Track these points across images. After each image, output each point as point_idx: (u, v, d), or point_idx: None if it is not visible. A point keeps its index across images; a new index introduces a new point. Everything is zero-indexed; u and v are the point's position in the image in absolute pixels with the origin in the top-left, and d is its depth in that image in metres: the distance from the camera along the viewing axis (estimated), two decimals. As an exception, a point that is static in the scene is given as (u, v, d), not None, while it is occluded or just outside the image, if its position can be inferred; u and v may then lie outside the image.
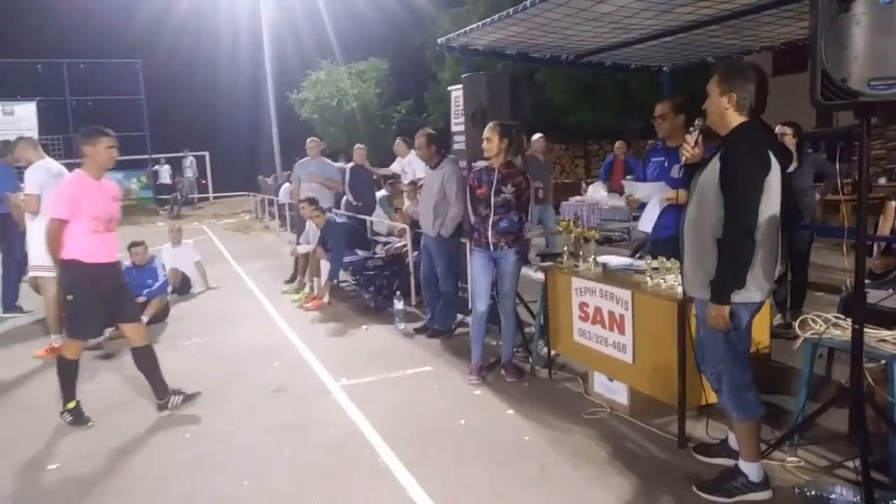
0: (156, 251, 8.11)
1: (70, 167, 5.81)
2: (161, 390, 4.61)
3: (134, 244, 7.29)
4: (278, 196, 16.27)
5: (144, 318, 6.80)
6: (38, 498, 3.55)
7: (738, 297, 2.94)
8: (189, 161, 23.99)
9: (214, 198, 26.56)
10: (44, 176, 5.94)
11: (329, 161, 9.86)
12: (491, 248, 4.79)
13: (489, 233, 4.77)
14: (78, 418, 4.46)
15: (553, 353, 4.97)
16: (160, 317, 7.18)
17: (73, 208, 4.24)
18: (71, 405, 4.47)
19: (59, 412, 4.49)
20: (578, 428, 4.03)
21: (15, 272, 7.65)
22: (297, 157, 9.92)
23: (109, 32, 26.43)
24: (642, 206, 4.67)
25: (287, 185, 15.05)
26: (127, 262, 7.23)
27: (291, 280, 9.13)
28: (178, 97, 27.21)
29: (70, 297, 4.29)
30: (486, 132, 4.76)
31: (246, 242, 15.19)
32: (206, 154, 26.72)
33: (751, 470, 3.11)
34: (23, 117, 20.78)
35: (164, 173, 23.92)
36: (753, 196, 2.84)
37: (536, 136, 9.84)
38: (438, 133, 6.19)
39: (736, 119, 2.95)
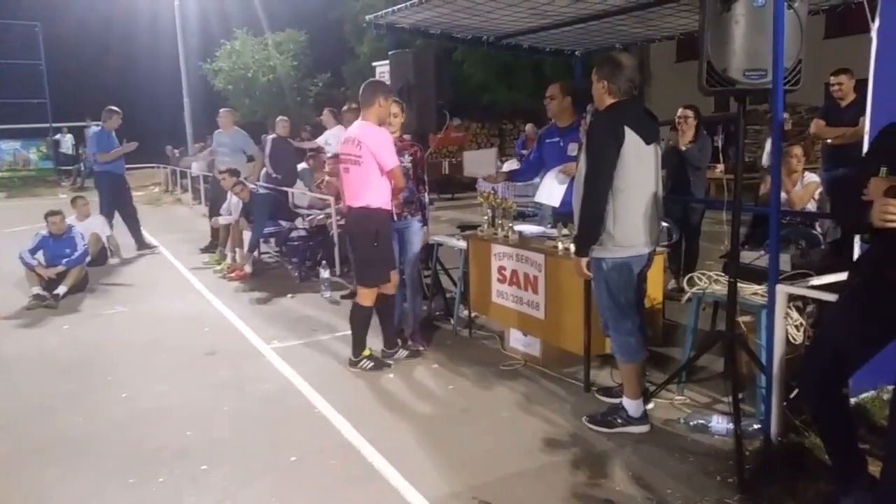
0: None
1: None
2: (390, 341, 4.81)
3: (51, 213, 7.14)
4: (190, 168, 15.92)
5: (63, 288, 6.78)
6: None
7: (598, 251, 3.44)
8: (92, 131, 22.91)
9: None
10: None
11: (243, 132, 9.78)
12: (395, 218, 4.99)
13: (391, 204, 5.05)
14: (378, 363, 4.67)
15: (473, 315, 5.37)
16: (79, 286, 7.11)
17: None
18: (367, 353, 4.69)
19: (351, 362, 4.68)
20: (496, 378, 4.45)
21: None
22: (211, 129, 9.87)
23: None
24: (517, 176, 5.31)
25: (199, 156, 14.79)
26: (43, 232, 7.11)
27: (207, 249, 9.19)
28: (83, 63, 25.82)
29: (376, 245, 4.47)
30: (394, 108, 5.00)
31: (158, 215, 14.84)
32: (112, 124, 25.54)
33: (631, 406, 3.61)
34: None
35: (67, 143, 22.78)
36: (603, 164, 3.32)
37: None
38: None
39: (608, 101, 3.48)
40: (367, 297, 4.61)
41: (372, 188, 4.43)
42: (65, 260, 6.92)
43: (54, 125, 23.06)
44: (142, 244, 9.72)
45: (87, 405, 4.21)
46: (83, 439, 3.74)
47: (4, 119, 21.78)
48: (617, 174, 3.34)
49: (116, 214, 9.46)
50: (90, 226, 8.53)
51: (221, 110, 9.71)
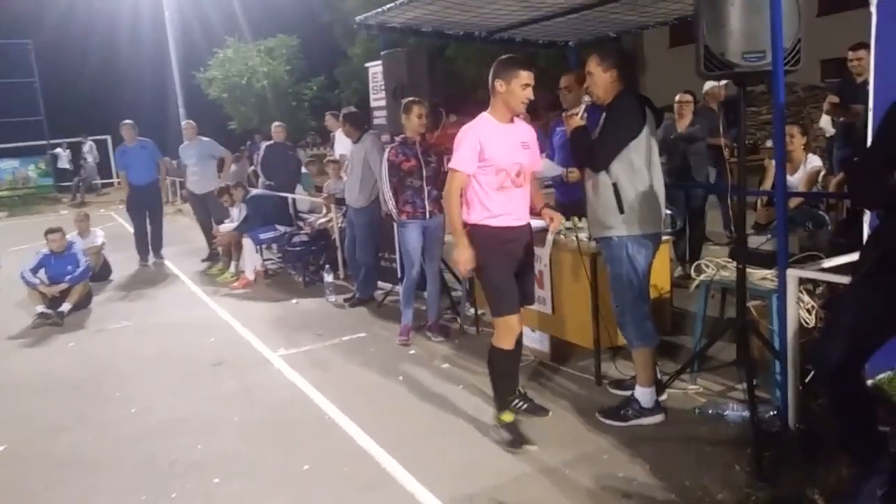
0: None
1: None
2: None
3: (50, 231, 7.09)
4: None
5: (68, 305, 6.76)
6: (-11, 477, 3.59)
7: (620, 230, 3.41)
8: (88, 146, 22.88)
9: (119, 183, 25.35)
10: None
11: (208, 139, 9.71)
12: (428, 216, 5.03)
13: (426, 202, 5.03)
14: (516, 438, 3.47)
15: (480, 311, 5.33)
16: (83, 303, 7.09)
17: (474, 159, 3.42)
18: (508, 418, 3.55)
19: (493, 423, 3.67)
20: (507, 375, 4.41)
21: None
22: (207, 138, 9.81)
23: (-7, 11, 24.62)
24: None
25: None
26: (44, 250, 7.08)
27: (208, 259, 9.18)
28: (77, 79, 25.78)
29: (480, 267, 3.53)
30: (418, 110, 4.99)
31: (160, 227, 14.78)
32: (108, 138, 25.49)
33: (643, 396, 3.57)
34: None
35: (64, 158, 22.77)
36: (625, 136, 3.35)
37: (710, 84, 7.03)
38: (356, 109, 6.46)
39: (617, 89, 3.47)
40: (502, 335, 3.61)
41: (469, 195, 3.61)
42: (68, 277, 6.89)
43: (51, 142, 23.05)
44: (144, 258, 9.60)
45: (98, 422, 4.18)
46: (95, 457, 3.71)
47: (2, 138, 21.78)
48: (636, 153, 3.37)
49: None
50: (90, 242, 8.50)
51: (184, 122, 9.68)
